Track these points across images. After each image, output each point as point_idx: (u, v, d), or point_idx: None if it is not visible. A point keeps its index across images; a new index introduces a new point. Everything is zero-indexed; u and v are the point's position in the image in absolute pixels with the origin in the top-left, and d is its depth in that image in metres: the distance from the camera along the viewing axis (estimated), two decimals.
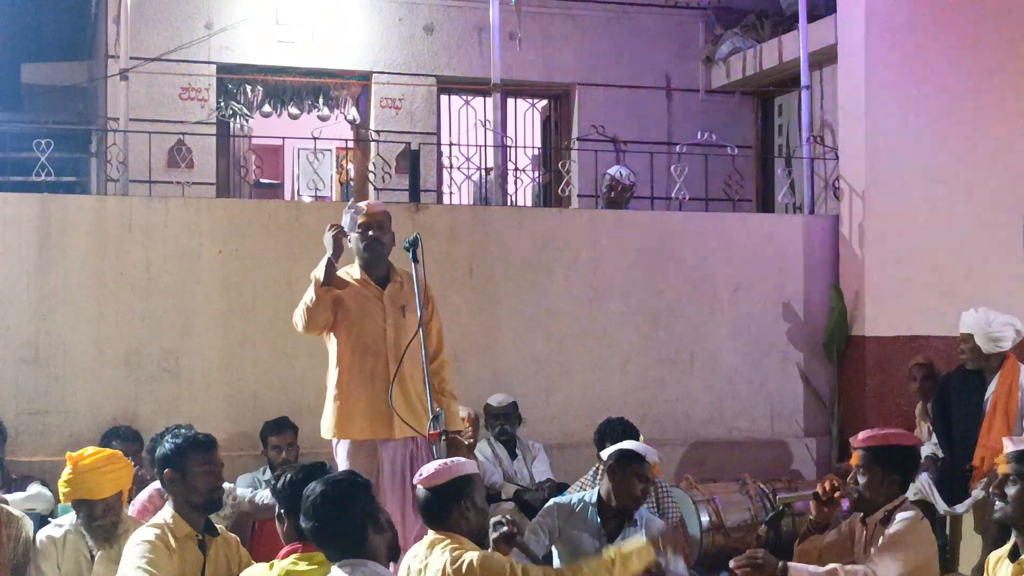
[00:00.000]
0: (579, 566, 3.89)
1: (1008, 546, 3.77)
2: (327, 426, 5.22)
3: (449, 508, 3.91)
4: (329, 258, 5.05)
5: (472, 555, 3.73)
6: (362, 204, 5.29)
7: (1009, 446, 3.84)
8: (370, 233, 5.16)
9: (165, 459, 4.32)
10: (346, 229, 5.24)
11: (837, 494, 4.45)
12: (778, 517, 4.54)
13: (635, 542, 3.98)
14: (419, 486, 3.98)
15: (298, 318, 5.15)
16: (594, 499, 5.14)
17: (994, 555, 3.90)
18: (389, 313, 5.16)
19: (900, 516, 4.35)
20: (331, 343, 5.24)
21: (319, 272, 5.04)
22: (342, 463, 5.17)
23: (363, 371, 5.13)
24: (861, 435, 4.53)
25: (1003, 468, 3.83)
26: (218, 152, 10.28)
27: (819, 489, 4.49)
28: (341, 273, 5.22)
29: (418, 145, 9.22)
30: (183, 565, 4.19)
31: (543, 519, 5.14)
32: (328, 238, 5.11)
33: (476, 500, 3.95)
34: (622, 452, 5.07)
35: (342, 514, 3.46)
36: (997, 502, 3.81)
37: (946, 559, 6.33)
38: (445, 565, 3.69)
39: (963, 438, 6.55)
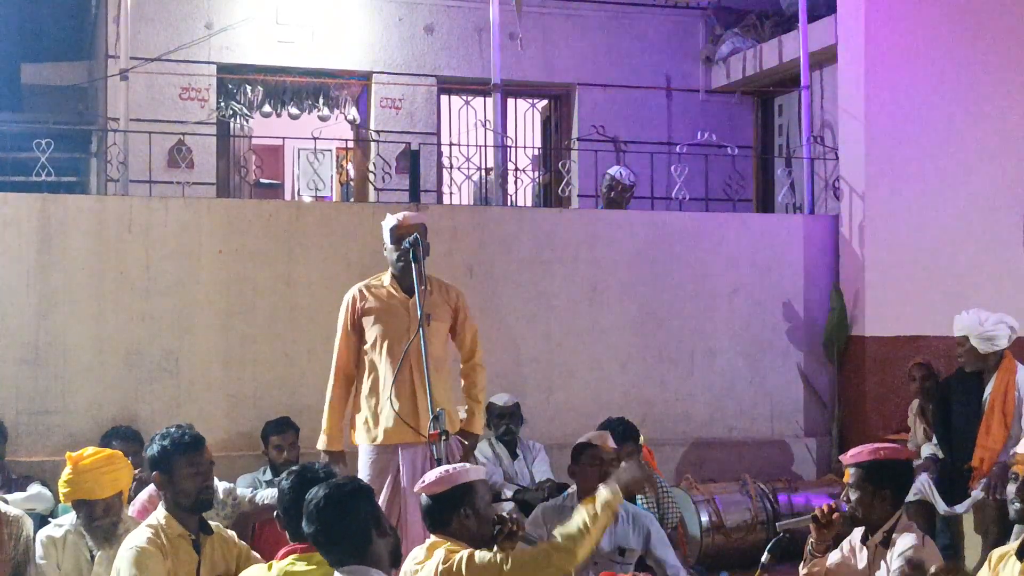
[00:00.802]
0: (557, 542, 3.83)
1: (1015, 544, 3.76)
2: (358, 433, 5.39)
3: (449, 515, 3.92)
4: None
5: (463, 553, 3.73)
6: (399, 215, 5.32)
7: (1022, 448, 3.83)
8: (404, 246, 5.19)
9: (153, 462, 4.32)
10: (385, 240, 5.37)
11: (836, 515, 4.43)
12: (779, 544, 4.54)
13: (602, 496, 3.94)
14: (420, 493, 3.99)
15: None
16: (576, 500, 5.19)
17: (997, 551, 3.89)
18: (414, 321, 5.22)
19: (904, 543, 4.31)
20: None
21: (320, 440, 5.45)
22: (363, 466, 5.29)
23: (386, 377, 5.22)
24: (850, 452, 4.51)
25: (1021, 470, 3.81)
26: (218, 152, 10.29)
27: (817, 511, 4.48)
28: (371, 279, 5.49)
29: (418, 145, 9.21)
30: (177, 566, 4.17)
31: (530, 529, 5.14)
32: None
33: (478, 507, 3.94)
34: (574, 449, 5.20)
35: (345, 519, 3.44)
36: (1017, 503, 3.79)
37: (956, 559, 6.32)
38: (437, 565, 3.70)
39: (962, 439, 6.56)
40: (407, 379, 5.19)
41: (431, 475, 4.02)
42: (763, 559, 4.48)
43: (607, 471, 5.07)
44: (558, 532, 3.86)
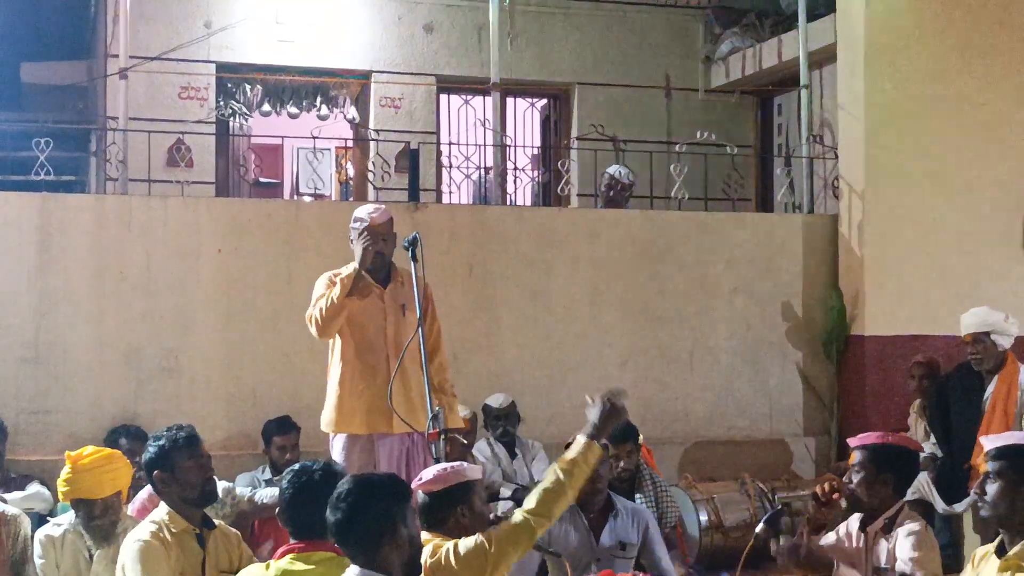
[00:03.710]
0: (536, 502, 3.73)
1: (995, 543, 3.77)
2: (326, 420, 5.31)
3: (446, 514, 3.91)
4: (358, 267, 5.13)
5: (448, 545, 3.72)
6: (364, 213, 5.27)
7: (988, 444, 3.82)
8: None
9: (152, 462, 4.32)
10: (352, 237, 5.28)
11: (836, 495, 4.44)
12: (776, 516, 4.53)
13: (576, 446, 3.84)
14: (418, 490, 3.98)
15: (314, 323, 5.20)
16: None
17: (980, 550, 3.89)
18: (390, 311, 5.24)
19: (907, 529, 4.31)
20: (334, 339, 5.32)
21: (346, 279, 5.14)
22: (338, 457, 5.23)
23: (364, 368, 5.23)
24: (859, 436, 4.53)
25: (983, 466, 3.81)
26: (217, 151, 10.29)
27: (818, 490, 4.49)
28: (341, 269, 5.33)
29: (417, 144, 9.20)
30: (182, 561, 4.18)
31: None
32: (359, 249, 5.16)
33: (475, 506, 3.93)
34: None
35: (363, 514, 3.39)
36: (979, 501, 3.80)
37: (957, 560, 6.33)
38: (425, 560, 3.68)
39: (962, 438, 6.57)
40: (382, 370, 5.17)
41: (428, 472, 4.00)
42: (757, 529, 4.48)
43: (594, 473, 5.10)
44: (534, 494, 3.76)
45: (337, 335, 5.27)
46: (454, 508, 3.90)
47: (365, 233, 5.16)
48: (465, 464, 4.13)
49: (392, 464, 5.13)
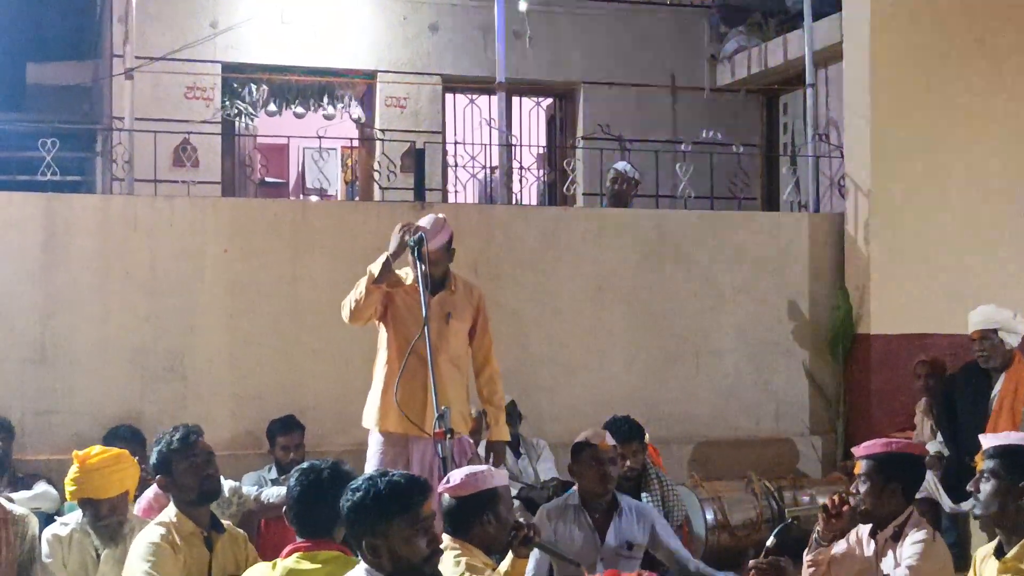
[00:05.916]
0: None
1: (994, 543, 3.76)
2: (366, 416, 5.38)
3: (470, 520, 3.88)
4: (388, 257, 5.12)
5: None
6: (426, 222, 5.21)
7: (986, 442, 3.80)
8: (410, 244, 5.15)
9: (155, 468, 4.42)
10: (410, 243, 5.19)
11: (846, 507, 4.42)
12: (786, 530, 4.52)
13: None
14: (444, 493, 3.96)
15: (345, 309, 5.26)
16: (578, 498, 5.21)
17: (981, 552, 3.89)
18: (434, 318, 5.21)
19: (913, 537, 4.30)
20: (381, 336, 5.39)
21: (375, 268, 5.13)
22: (373, 453, 5.30)
23: (404, 369, 5.22)
24: (863, 445, 4.49)
25: (979, 465, 3.81)
26: (223, 151, 10.29)
27: (828, 502, 4.47)
28: (398, 272, 5.36)
29: (423, 144, 9.20)
30: (189, 563, 4.21)
31: None
32: (396, 238, 5.13)
33: (500, 513, 3.91)
34: (573, 447, 5.20)
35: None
36: (973, 499, 3.80)
37: (964, 559, 6.31)
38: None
39: (969, 436, 6.53)
40: (419, 375, 5.17)
41: (456, 475, 3.96)
42: (768, 543, 4.47)
43: (606, 471, 5.10)
44: None
45: (384, 331, 5.33)
46: (479, 515, 3.87)
47: (408, 230, 5.16)
48: (493, 469, 4.09)
49: (424, 467, 5.14)
